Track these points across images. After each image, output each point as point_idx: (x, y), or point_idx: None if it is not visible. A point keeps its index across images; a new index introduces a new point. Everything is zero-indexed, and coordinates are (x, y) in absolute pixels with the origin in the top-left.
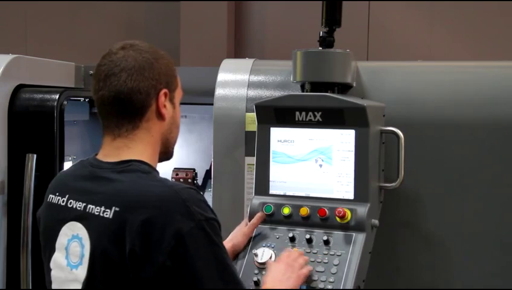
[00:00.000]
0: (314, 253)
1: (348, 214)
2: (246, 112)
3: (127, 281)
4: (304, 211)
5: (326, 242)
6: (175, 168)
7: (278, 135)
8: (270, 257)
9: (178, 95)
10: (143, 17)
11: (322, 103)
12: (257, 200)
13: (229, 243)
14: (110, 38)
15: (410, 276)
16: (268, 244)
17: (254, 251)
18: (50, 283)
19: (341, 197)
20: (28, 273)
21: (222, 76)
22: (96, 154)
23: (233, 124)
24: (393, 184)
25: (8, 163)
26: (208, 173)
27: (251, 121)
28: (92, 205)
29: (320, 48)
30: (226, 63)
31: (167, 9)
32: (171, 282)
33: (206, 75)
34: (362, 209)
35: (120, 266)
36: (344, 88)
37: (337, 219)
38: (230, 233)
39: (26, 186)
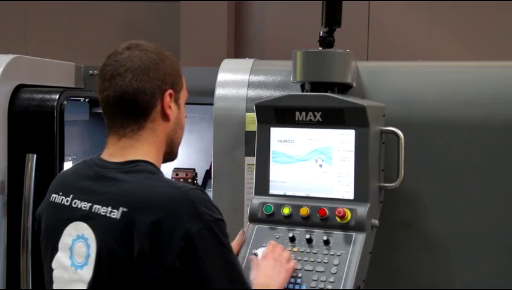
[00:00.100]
0: (314, 253)
1: (348, 214)
2: (246, 112)
3: (134, 282)
4: (304, 211)
5: (326, 242)
6: (175, 168)
7: (278, 135)
8: None
9: (183, 95)
10: (143, 17)
11: (322, 103)
12: (257, 200)
13: None
14: (110, 38)
15: (410, 276)
16: None
17: (254, 251)
18: (51, 282)
19: (341, 197)
20: (28, 273)
21: (222, 76)
22: (100, 155)
23: (233, 124)
24: (393, 184)
25: (8, 163)
26: (208, 173)
27: (251, 121)
28: (98, 205)
29: (320, 48)
30: (226, 63)
31: (167, 9)
32: (179, 283)
33: (206, 75)
34: (362, 209)
35: (127, 267)
36: (344, 88)
37: (337, 219)
38: (229, 233)
39: (26, 186)
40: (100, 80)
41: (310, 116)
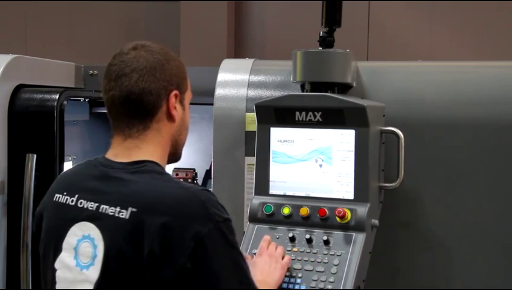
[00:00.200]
0: (314, 253)
1: (348, 214)
2: (246, 112)
3: (143, 282)
4: (304, 211)
5: (326, 242)
6: (175, 168)
7: (278, 135)
8: None
9: (188, 97)
10: (143, 17)
11: (322, 103)
12: (257, 200)
13: None
14: (110, 38)
15: (410, 276)
16: None
17: (254, 251)
18: (54, 283)
19: (341, 197)
20: (28, 273)
21: (222, 76)
22: (105, 155)
23: (233, 124)
24: (393, 184)
25: (8, 163)
26: (207, 173)
27: (251, 121)
28: (106, 205)
29: (320, 48)
30: (226, 63)
31: (167, 9)
32: (189, 283)
33: (206, 75)
34: (362, 209)
35: (136, 267)
36: (344, 88)
37: (337, 219)
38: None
39: (26, 186)
40: (105, 80)
41: (310, 116)
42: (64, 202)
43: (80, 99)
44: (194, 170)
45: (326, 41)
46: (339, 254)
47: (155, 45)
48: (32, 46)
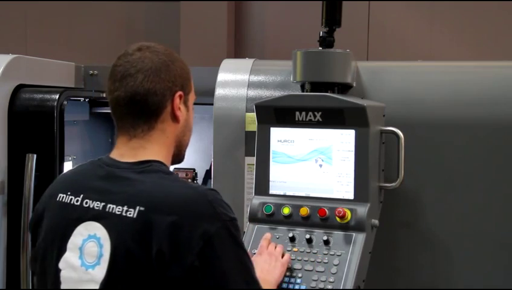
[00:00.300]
0: (314, 253)
1: (348, 214)
2: (246, 112)
3: (150, 281)
4: (304, 211)
5: (326, 242)
6: (175, 168)
7: (278, 135)
8: None
9: (191, 98)
10: (143, 17)
11: (322, 103)
12: (257, 200)
13: None
14: (110, 38)
15: (410, 276)
16: None
17: (254, 251)
18: (57, 283)
19: (341, 197)
20: (28, 273)
21: (222, 76)
22: (109, 155)
23: (233, 124)
24: (393, 184)
25: (8, 163)
26: (207, 173)
27: (251, 121)
28: (113, 204)
29: (320, 48)
30: (226, 63)
31: (167, 9)
32: (196, 282)
33: (206, 75)
34: (362, 209)
35: (145, 266)
36: (344, 88)
37: (337, 219)
38: None
39: (26, 186)
40: (110, 81)
41: (310, 116)
42: (68, 201)
43: (80, 99)
44: (194, 170)
45: (326, 41)
46: (339, 254)
47: (160, 46)
48: (32, 46)
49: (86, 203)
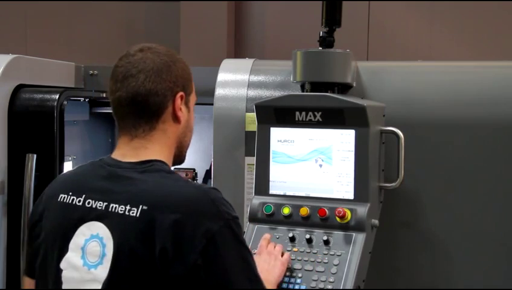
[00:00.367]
0: (314, 253)
1: (348, 214)
2: (246, 112)
3: (153, 280)
4: (304, 211)
5: (326, 242)
6: (175, 168)
7: (278, 135)
8: None
9: (193, 99)
10: (143, 17)
11: (322, 103)
12: (257, 200)
13: None
14: (110, 38)
15: (410, 276)
16: None
17: (254, 251)
18: (58, 283)
19: (341, 197)
20: None
21: (222, 76)
22: (111, 155)
23: (233, 124)
24: (393, 184)
25: (8, 163)
26: (207, 173)
27: (251, 121)
28: (115, 204)
29: (320, 48)
30: (226, 63)
31: (167, 9)
32: (199, 280)
33: (206, 75)
34: (362, 209)
35: (148, 264)
36: (344, 88)
37: (337, 219)
38: None
39: (26, 186)
40: (112, 81)
41: (310, 116)
42: (70, 202)
43: (80, 99)
44: (194, 170)
45: (326, 41)
46: (339, 254)
47: (161, 47)
48: (32, 46)
49: (89, 203)
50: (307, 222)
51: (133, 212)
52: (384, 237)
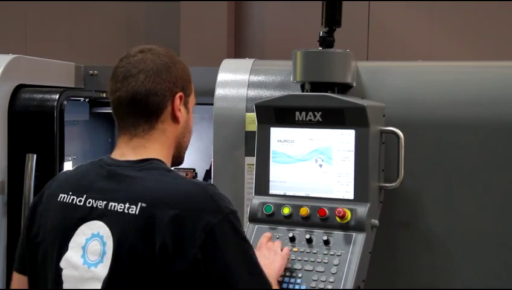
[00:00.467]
0: (314, 253)
1: (348, 214)
2: (246, 112)
3: (154, 276)
4: (304, 211)
5: (326, 242)
6: (175, 168)
7: (278, 135)
8: None
9: (192, 100)
10: (143, 17)
11: (322, 103)
12: (257, 200)
13: None
14: (110, 38)
15: (410, 276)
16: None
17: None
18: (58, 283)
19: (341, 197)
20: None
21: (222, 76)
22: (110, 155)
23: (233, 124)
24: (393, 184)
25: (8, 163)
26: (207, 173)
27: (251, 121)
28: (115, 202)
29: (320, 48)
30: (226, 63)
31: (167, 9)
32: (200, 274)
33: (206, 75)
34: (362, 209)
35: (148, 261)
36: (344, 88)
37: (337, 219)
38: None
39: (26, 186)
40: (112, 81)
41: (310, 116)
42: (70, 201)
43: (80, 99)
44: (194, 170)
45: (326, 41)
46: (339, 254)
47: (161, 49)
48: (32, 46)
49: (89, 203)
50: (307, 222)
51: (132, 210)
52: (384, 237)
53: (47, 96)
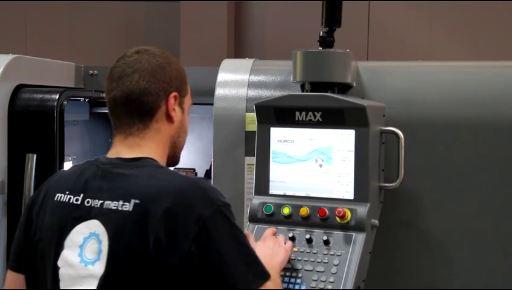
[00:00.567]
0: (314, 253)
1: (348, 214)
2: (246, 112)
3: (150, 271)
4: (304, 211)
5: (326, 242)
6: (175, 168)
7: (278, 135)
8: None
9: (187, 101)
10: (143, 17)
11: (322, 103)
12: (257, 200)
13: None
14: (110, 38)
15: (410, 276)
16: None
17: None
18: (56, 281)
19: (341, 197)
20: None
21: (222, 76)
22: (106, 154)
23: (233, 124)
24: (393, 184)
25: (8, 163)
26: (208, 173)
27: (251, 121)
28: (109, 200)
29: (320, 48)
30: (226, 63)
31: (167, 9)
32: (195, 267)
33: (206, 75)
34: (362, 209)
35: (144, 257)
36: (344, 88)
37: (337, 219)
38: None
39: (26, 186)
40: (108, 81)
41: (310, 116)
42: (67, 201)
43: (79, 99)
44: (194, 170)
45: (326, 41)
46: (339, 254)
47: (157, 50)
48: (32, 46)
49: (88, 202)
50: (307, 222)
51: (126, 207)
52: (384, 237)
53: (47, 96)
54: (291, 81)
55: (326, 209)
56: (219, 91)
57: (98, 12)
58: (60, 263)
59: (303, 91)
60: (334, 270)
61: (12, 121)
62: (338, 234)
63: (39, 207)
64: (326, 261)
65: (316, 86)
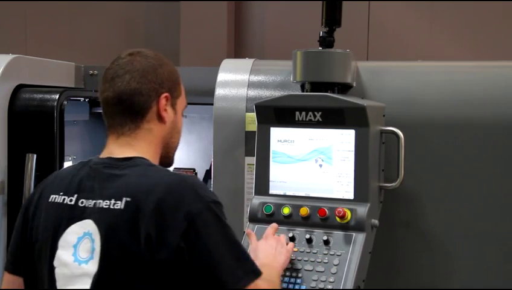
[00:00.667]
0: (314, 253)
1: (348, 214)
2: (246, 112)
3: (142, 267)
4: (304, 211)
5: (326, 242)
6: (175, 168)
7: (278, 134)
8: None
9: (181, 103)
10: (143, 17)
11: (322, 103)
12: (257, 200)
13: None
14: (110, 38)
15: (410, 276)
16: None
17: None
18: (52, 281)
19: (341, 197)
20: None
21: (222, 76)
22: (100, 155)
23: (233, 124)
24: (393, 184)
25: (8, 163)
26: (208, 173)
27: (251, 121)
28: (101, 199)
29: (320, 48)
30: (226, 63)
31: (167, 9)
32: (184, 263)
33: (206, 75)
34: (362, 209)
35: (136, 254)
36: (344, 88)
37: (337, 219)
38: None
39: (26, 186)
40: (101, 83)
41: (310, 116)
42: (61, 201)
43: (79, 99)
44: (194, 170)
45: (326, 41)
46: (339, 254)
47: (151, 52)
48: (32, 46)
49: (82, 203)
50: (307, 222)
51: (117, 205)
52: (384, 237)
53: (47, 96)
54: (291, 81)
55: (326, 209)
56: (219, 91)
57: (98, 12)
58: (55, 263)
59: (303, 91)
60: (334, 270)
61: (12, 121)
62: (338, 234)
63: (35, 208)
64: (326, 261)
65: (316, 86)
